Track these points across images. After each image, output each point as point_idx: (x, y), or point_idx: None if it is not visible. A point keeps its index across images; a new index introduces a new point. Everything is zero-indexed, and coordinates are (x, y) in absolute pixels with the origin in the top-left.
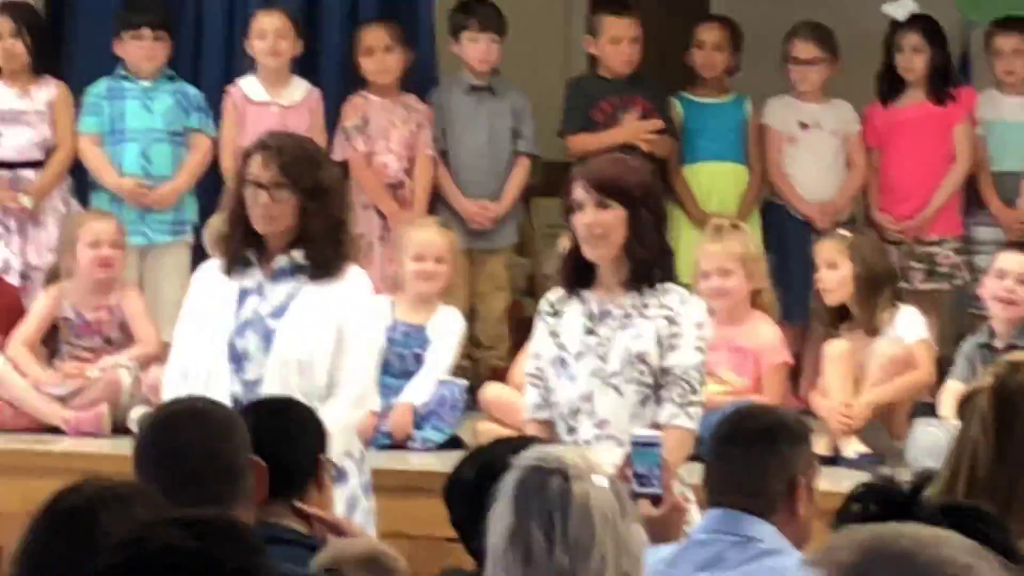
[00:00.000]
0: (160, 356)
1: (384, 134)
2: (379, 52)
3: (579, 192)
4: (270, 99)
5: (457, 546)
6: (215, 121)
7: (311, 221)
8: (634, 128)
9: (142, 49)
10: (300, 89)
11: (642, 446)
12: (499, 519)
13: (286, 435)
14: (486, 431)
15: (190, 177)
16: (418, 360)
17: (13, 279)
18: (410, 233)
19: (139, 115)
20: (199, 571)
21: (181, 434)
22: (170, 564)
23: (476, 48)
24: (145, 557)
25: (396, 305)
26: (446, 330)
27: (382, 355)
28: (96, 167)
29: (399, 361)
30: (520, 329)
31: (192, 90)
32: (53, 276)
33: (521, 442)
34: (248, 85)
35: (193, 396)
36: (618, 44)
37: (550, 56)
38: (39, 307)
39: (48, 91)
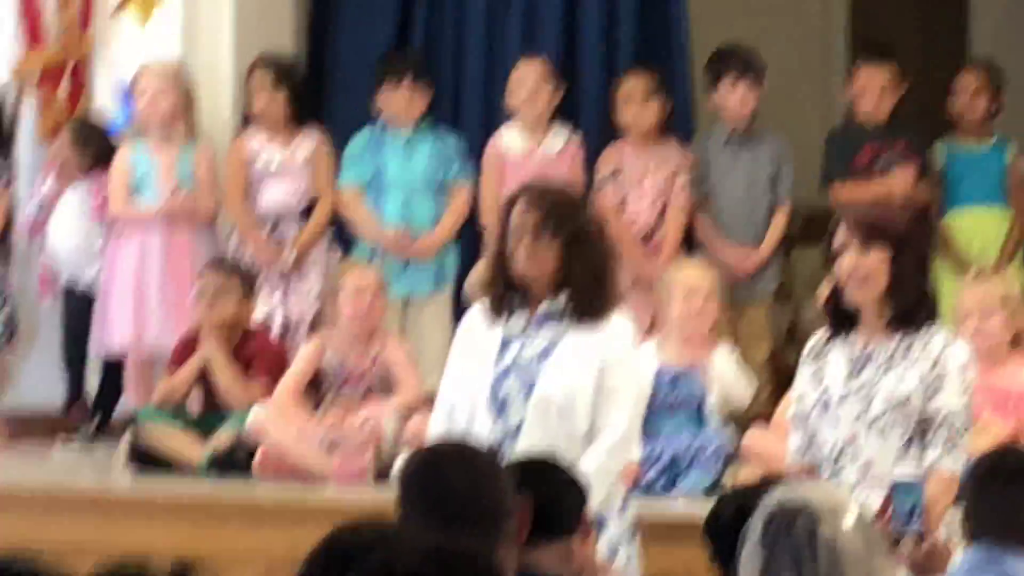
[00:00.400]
0: (422, 405)
1: (637, 182)
2: (637, 101)
3: (843, 235)
4: (530, 147)
5: None
6: (475, 171)
7: (574, 266)
8: (901, 181)
9: (402, 99)
10: (560, 138)
11: (904, 487)
12: (749, 560)
13: (553, 485)
14: (748, 477)
15: (451, 227)
16: (691, 398)
17: (275, 331)
18: (675, 275)
19: (400, 166)
20: None
21: (446, 475)
22: None
23: (734, 96)
24: None
25: (662, 348)
26: (724, 369)
27: (647, 400)
28: (358, 219)
29: (668, 403)
30: (780, 378)
31: (452, 140)
32: (317, 326)
33: (780, 482)
34: (509, 135)
35: (458, 439)
36: (876, 92)
37: (809, 103)
38: (303, 357)
39: (309, 143)
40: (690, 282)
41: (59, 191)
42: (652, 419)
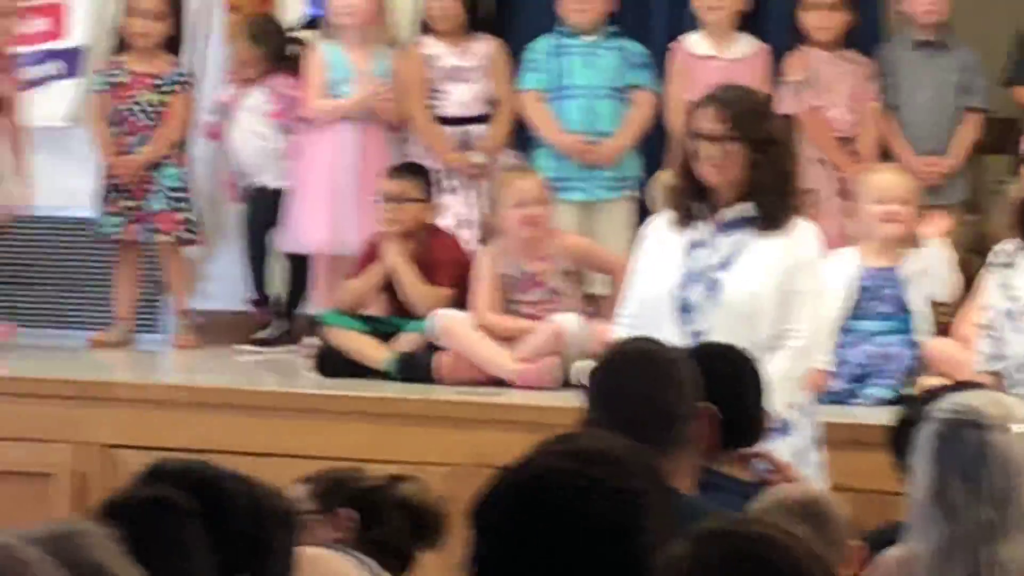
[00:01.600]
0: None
1: (832, 88)
2: (824, 8)
3: None
4: (716, 53)
5: (904, 500)
6: (659, 77)
7: (759, 173)
8: None
9: (576, 2)
10: (747, 44)
11: None
12: (920, 473)
13: (736, 384)
14: (933, 386)
15: (633, 134)
16: (892, 302)
17: (468, 233)
18: (869, 179)
19: (582, 72)
20: (577, 490)
21: (622, 378)
22: (549, 484)
23: (921, 2)
24: (527, 478)
25: (863, 253)
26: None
27: (841, 306)
28: (540, 123)
29: (872, 306)
30: (968, 286)
31: (636, 47)
32: (487, 234)
33: (963, 388)
34: (694, 41)
35: (642, 338)
36: None
37: (1000, 8)
38: (485, 268)
39: (485, 48)
40: (884, 185)
41: (239, 94)
42: (851, 326)
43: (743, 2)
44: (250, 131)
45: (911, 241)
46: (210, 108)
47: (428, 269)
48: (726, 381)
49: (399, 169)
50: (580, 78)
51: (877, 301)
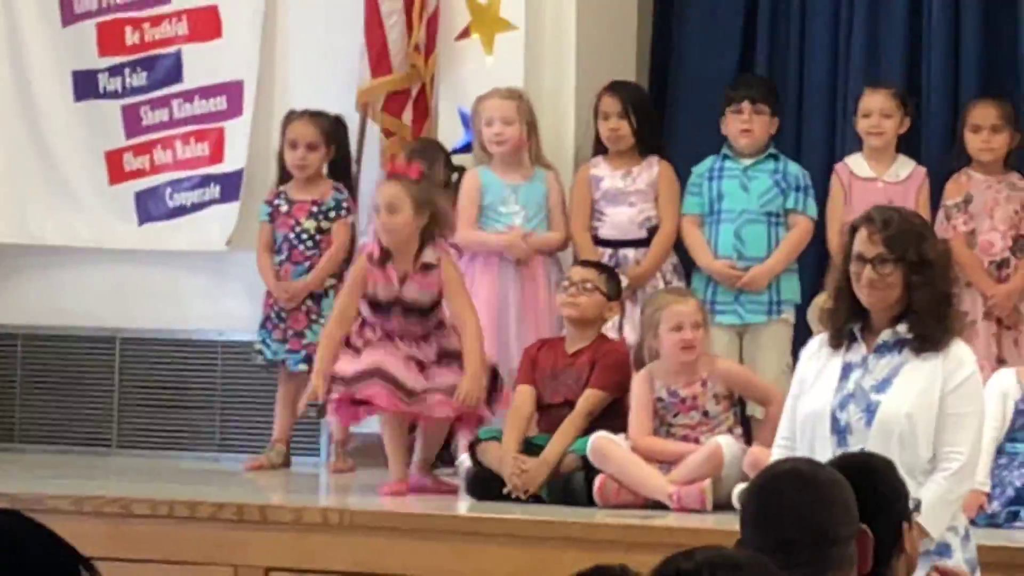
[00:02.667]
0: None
1: (989, 212)
2: (986, 130)
3: None
4: (877, 175)
5: None
6: (817, 199)
7: (917, 294)
8: None
9: (740, 123)
10: (907, 167)
11: None
12: None
13: (873, 497)
14: None
15: (785, 258)
16: None
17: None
18: None
19: (737, 196)
20: None
21: (779, 497)
22: None
23: None
24: None
25: (1022, 375)
26: None
27: (997, 429)
28: (694, 248)
29: None
30: None
31: (795, 169)
32: (638, 357)
33: None
34: (855, 162)
35: (799, 458)
36: None
37: None
38: (640, 392)
39: (652, 170)
40: None
41: None
42: (1007, 448)
43: (904, 124)
44: None
45: None
46: (370, 231)
47: (593, 368)
48: (868, 495)
49: (590, 261)
50: (734, 202)
51: None
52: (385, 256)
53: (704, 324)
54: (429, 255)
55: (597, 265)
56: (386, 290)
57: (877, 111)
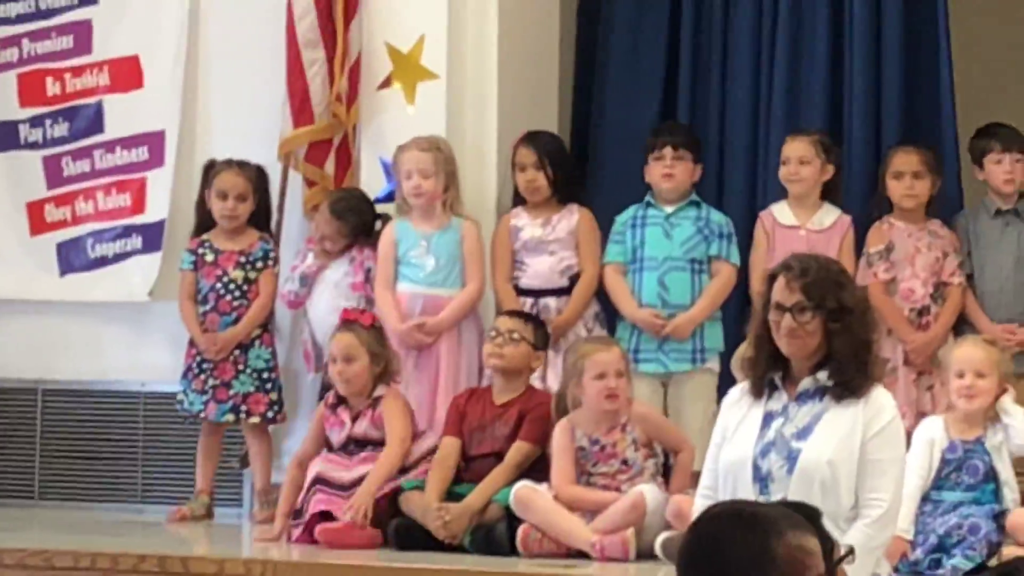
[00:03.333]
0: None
1: (910, 260)
2: (908, 177)
3: None
4: (800, 223)
5: None
6: (742, 247)
7: (836, 342)
8: None
9: (662, 168)
10: (831, 215)
11: None
12: None
13: None
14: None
15: (708, 306)
16: (976, 474)
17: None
18: (953, 351)
19: (659, 243)
20: None
21: (721, 534)
22: None
23: (999, 171)
24: None
25: (948, 423)
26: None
27: (929, 476)
28: (616, 297)
29: (956, 476)
30: None
31: (718, 216)
32: (560, 405)
33: None
34: (779, 210)
35: (734, 501)
36: None
37: None
38: (562, 441)
39: (572, 219)
40: (964, 358)
41: (321, 266)
42: (933, 496)
43: (827, 173)
44: (331, 302)
45: (994, 412)
46: (292, 277)
47: (521, 420)
48: None
49: (516, 312)
50: (657, 250)
51: (960, 472)
52: (339, 401)
53: (627, 373)
54: (380, 390)
55: (523, 315)
56: (339, 433)
57: (795, 158)
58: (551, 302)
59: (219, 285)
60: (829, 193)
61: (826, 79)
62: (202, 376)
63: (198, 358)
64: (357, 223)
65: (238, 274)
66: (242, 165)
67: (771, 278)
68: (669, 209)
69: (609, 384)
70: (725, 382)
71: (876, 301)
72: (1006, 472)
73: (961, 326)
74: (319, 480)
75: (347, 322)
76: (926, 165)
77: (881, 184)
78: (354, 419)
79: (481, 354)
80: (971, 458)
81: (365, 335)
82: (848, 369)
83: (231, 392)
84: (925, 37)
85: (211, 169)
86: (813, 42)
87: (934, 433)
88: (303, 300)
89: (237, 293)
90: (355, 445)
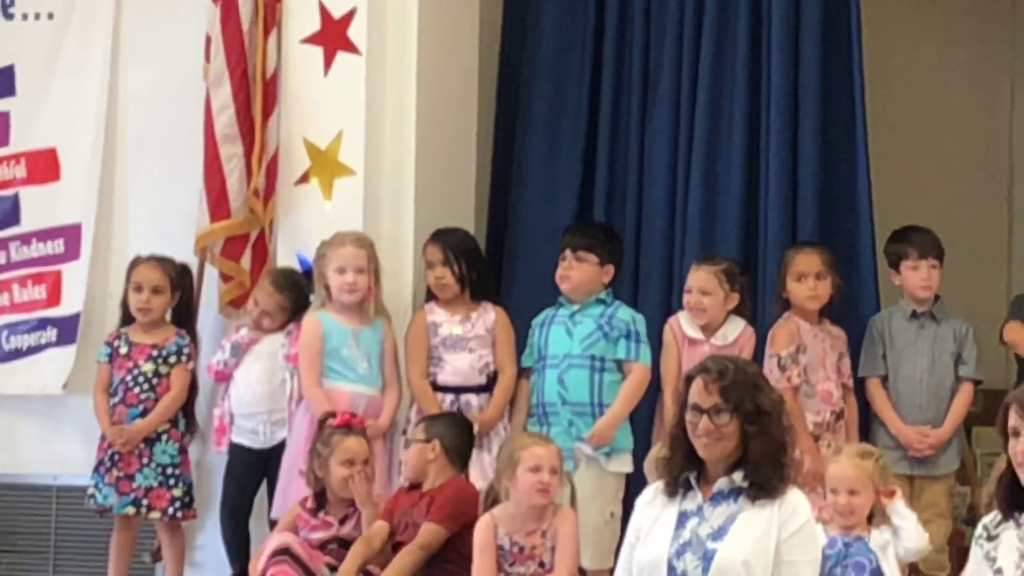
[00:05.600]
0: None
1: (820, 361)
2: (811, 278)
3: (1014, 418)
4: (704, 339)
5: None
6: (657, 346)
7: (752, 444)
8: None
9: (562, 269)
10: (735, 328)
11: None
12: None
13: None
14: None
15: (624, 406)
16: (862, 571)
17: None
18: (831, 465)
19: (560, 341)
20: None
21: None
22: None
23: (915, 276)
24: None
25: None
26: (903, 515)
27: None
28: (520, 402)
29: (843, 574)
30: (961, 559)
31: (624, 315)
32: (491, 497)
33: None
34: (685, 321)
35: None
36: None
37: (993, 282)
38: (483, 539)
39: (488, 317)
40: (838, 476)
41: (252, 339)
42: None
43: (731, 302)
44: (261, 372)
45: (869, 521)
46: (223, 347)
47: (431, 503)
48: None
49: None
50: (558, 347)
51: (847, 569)
52: (320, 504)
53: (560, 472)
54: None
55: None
56: (323, 532)
57: (697, 288)
58: (472, 399)
59: (129, 378)
60: (738, 307)
61: (741, 182)
62: (113, 470)
63: (109, 451)
64: (299, 298)
65: (148, 367)
66: (161, 260)
67: (688, 379)
68: (575, 307)
69: (542, 478)
70: (636, 482)
71: (787, 404)
72: (892, 573)
73: (873, 427)
74: (287, 550)
75: (351, 426)
76: (827, 265)
77: (780, 285)
78: (341, 521)
79: (395, 450)
80: (854, 555)
81: (365, 438)
82: (764, 471)
83: (134, 485)
84: (843, 135)
85: (134, 263)
86: (729, 141)
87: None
88: (231, 371)
89: (146, 386)
90: (339, 545)
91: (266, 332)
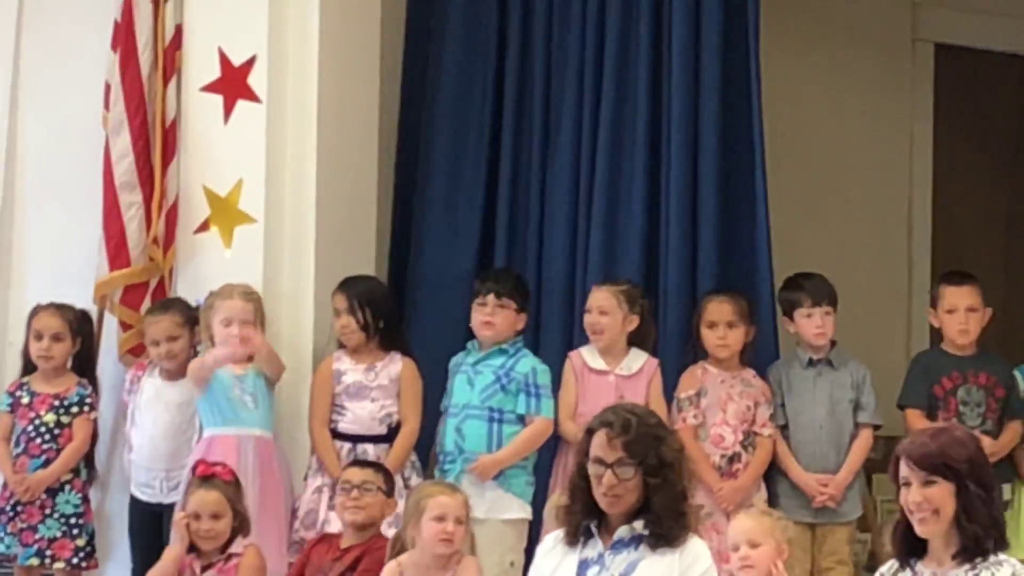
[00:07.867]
0: None
1: (721, 406)
2: (722, 326)
3: (904, 469)
4: (608, 369)
5: None
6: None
7: (655, 495)
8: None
9: (483, 315)
10: (638, 359)
11: None
12: None
13: None
14: None
15: (513, 452)
16: None
17: None
18: (734, 523)
19: (461, 390)
20: None
21: None
22: None
23: (810, 324)
24: None
25: None
26: None
27: None
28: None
29: None
30: None
31: (524, 367)
32: (397, 546)
33: None
34: (588, 353)
35: None
36: (956, 313)
37: (892, 328)
38: None
39: (394, 366)
40: (739, 530)
41: (160, 386)
42: None
43: (631, 323)
44: (169, 424)
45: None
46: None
47: (359, 560)
48: None
49: (365, 461)
50: (460, 396)
51: None
52: (191, 548)
53: (466, 522)
54: (237, 546)
55: (372, 464)
56: None
57: (596, 308)
58: (370, 448)
59: (31, 428)
60: (638, 338)
61: (642, 228)
62: (16, 520)
63: (12, 500)
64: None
65: (50, 418)
66: (60, 307)
67: (590, 432)
68: (480, 355)
69: (447, 528)
70: (536, 530)
71: (686, 446)
72: None
73: (774, 475)
74: None
75: (207, 478)
76: (739, 315)
77: (695, 331)
78: (203, 569)
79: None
80: None
81: (227, 489)
82: (665, 520)
83: (37, 536)
84: (743, 184)
85: (34, 311)
86: (630, 187)
87: None
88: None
89: (48, 436)
90: None
91: (172, 378)
